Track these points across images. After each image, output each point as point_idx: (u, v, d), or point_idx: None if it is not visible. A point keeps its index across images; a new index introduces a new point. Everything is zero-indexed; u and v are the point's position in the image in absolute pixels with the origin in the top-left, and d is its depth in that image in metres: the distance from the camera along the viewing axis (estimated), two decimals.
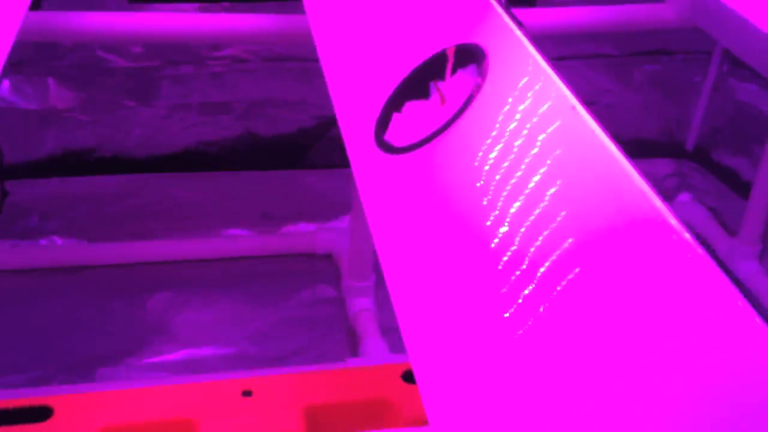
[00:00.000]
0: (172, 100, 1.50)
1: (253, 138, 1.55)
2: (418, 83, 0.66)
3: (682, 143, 1.66)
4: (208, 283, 1.46)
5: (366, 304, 1.33)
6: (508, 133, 0.55)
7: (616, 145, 0.48)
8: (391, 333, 1.32)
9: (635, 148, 1.53)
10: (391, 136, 0.63)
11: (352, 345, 1.31)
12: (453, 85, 0.63)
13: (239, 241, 1.51)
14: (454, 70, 0.63)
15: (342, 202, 1.55)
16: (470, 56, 0.63)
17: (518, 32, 0.62)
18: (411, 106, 0.65)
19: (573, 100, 0.51)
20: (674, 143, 1.66)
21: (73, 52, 1.45)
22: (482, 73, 0.60)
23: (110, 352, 1.34)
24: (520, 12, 0.73)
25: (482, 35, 0.64)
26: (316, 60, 1.39)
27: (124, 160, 1.54)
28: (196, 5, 1.46)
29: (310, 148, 1.57)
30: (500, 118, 0.56)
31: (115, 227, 1.53)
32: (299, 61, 1.51)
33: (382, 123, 0.65)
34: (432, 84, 0.65)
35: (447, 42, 0.66)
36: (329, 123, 1.55)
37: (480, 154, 0.56)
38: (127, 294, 1.44)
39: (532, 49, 0.59)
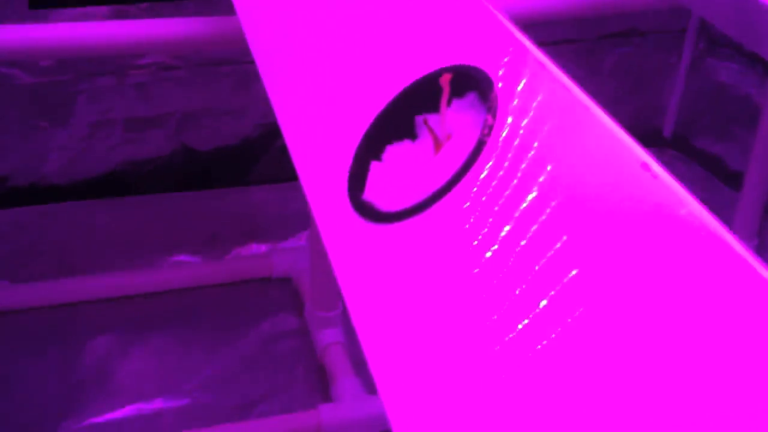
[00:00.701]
0: (91, 118, 1.32)
1: (189, 154, 1.38)
2: (401, 119, 0.50)
3: (659, 130, 1.53)
4: (153, 322, 1.29)
5: (335, 336, 1.18)
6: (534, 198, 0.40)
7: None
8: (365, 368, 1.17)
9: None
10: (372, 194, 0.48)
11: (323, 386, 1.16)
12: (450, 122, 0.47)
13: (184, 269, 1.34)
14: (449, 102, 0.48)
15: (297, 218, 1.39)
16: (468, 83, 0.47)
17: (533, 49, 0.46)
18: (394, 152, 0.49)
19: (641, 154, 0.36)
20: (651, 130, 1.53)
21: None
22: (491, 109, 0.44)
23: (41, 415, 1.16)
24: None
25: (483, 54, 0.48)
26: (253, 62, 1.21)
27: (43, 188, 1.35)
28: (110, 8, 1.28)
29: (256, 161, 1.40)
30: (521, 176, 0.40)
31: (40, 264, 1.34)
32: (236, 64, 1.33)
33: (358, 175, 0.49)
34: (420, 120, 0.50)
35: (435, 63, 0.50)
36: (275, 131, 1.37)
37: (484, 230, 0.41)
38: (59, 341, 1.26)
39: (558, 73, 0.43)
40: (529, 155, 0.42)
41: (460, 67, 0.47)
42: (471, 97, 0.48)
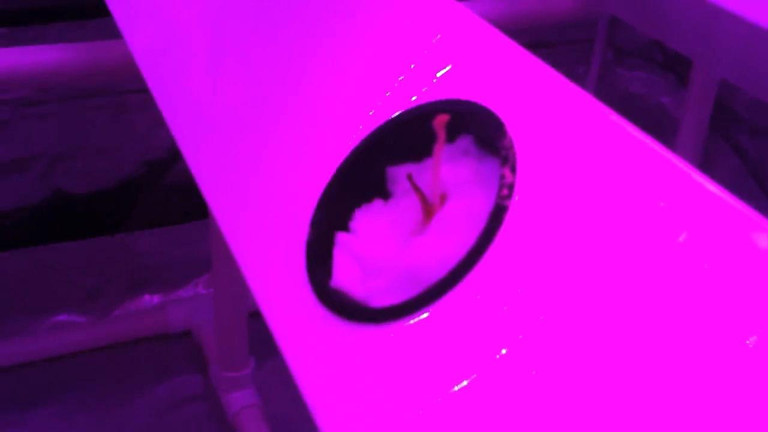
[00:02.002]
0: None
1: (62, 200, 1.21)
2: (368, 173, 0.38)
3: None
4: (32, 396, 1.11)
5: (248, 398, 1.04)
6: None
7: None
8: (280, 428, 1.04)
9: None
10: (344, 280, 0.35)
11: None
12: (444, 178, 0.35)
13: (66, 332, 1.17)
14: (441, 148, 0.36)
15: (189, 264, 1.24)
16: (462, 123, 0.36)
17: (554, 74, 0.35)
18: (367, 219, 0.37)
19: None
20: None
21: None
22: (508, 160, 0.33)
23: None
24: None
25: (483, 84, 0.36)
26: (133, 91, 1.07)
27: None
28: None
29: (138, 203, 1.24)
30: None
31: None
32: (110, 96, 1.17)
33: (319, 253, 0.37)
34: (395, 173, 0.38)
35: (403, 97, 0.38)
36: (159, 168, 1.23)
37: (511, 336, 0.29)
38: None
39: (599, 106, 0.32)
40: (570, 226, 0.30)
41: (451, 104, 0.36)
42: (464, 142, 0.36)
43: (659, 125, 1.35)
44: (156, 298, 1.23)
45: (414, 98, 0.38)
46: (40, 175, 1.19)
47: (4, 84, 1.01)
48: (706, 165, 1.19)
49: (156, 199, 1.25)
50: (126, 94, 1.16)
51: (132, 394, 1.12)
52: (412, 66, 0.40)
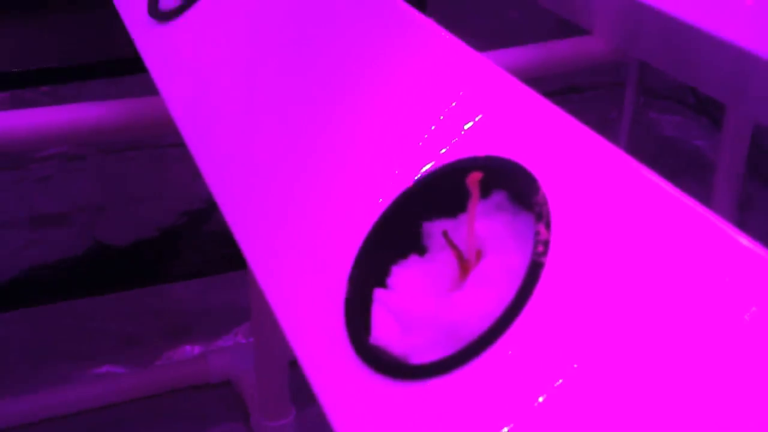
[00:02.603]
0: None
1: (102, 251, 1.23)
2: (404, 229, 0.39)
3: None
4: None
5: None
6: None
7: None
8: None
9: None
10: (383, 337, 0.36)
11: None
12: (479, 234, 0.36)
13: (107, 382, 1.18)
14: (476, 204, 0.36)
15: (228, 313, 1.25)
16: (495, 179, 0.36)
17: (581, 128, 0.35)
18: (403, 275, 0.38)
19: None
20: None
21: None
22: (542, 216, 0.33)
23: None
24: None
25: (513, 139, 0.37)
26: (172, 145, 1.08)
27: None
28: (6, 94, 1.14)
29: (177, 253, 1.26)
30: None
31: None
32: (149, 149, 1.20)
33: (357, 309, 0.37)
34: (429, 229, 0.38)
35: (438, 154, 0.39)
36: (198, 218, 1.25)
37: (552, 392, 0.30)
38: None
39: (629, 160, 0.33)
40: (607, 282, 0.31)
41: (485, 161, 0.36)
42: (498, 198, 0.37)
43: (695, 168, 1.35)
44: (197, 348, 1.23)
45: (443, 151, 0.39)
46: (81, 228, 1.21)
47: (46, 141, 1.03)
48: (745, 207, 1.18)
49: (195, 248, 1.27)
50: (165, 148, 1.18)
51: None
52: (441, 117, 0.41)
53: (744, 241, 0.28)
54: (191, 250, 1.28)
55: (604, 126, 1.41)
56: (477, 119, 0.39)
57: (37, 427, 1.14)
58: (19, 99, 1.11)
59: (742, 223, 1.27)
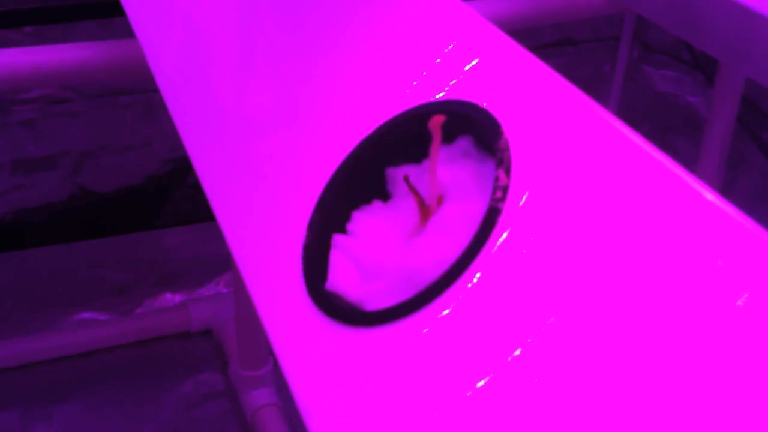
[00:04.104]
0: None
1: (88, 197, 1.22)
2: (369, 173, 0.38)
3: None
4: (58, 392, 1.12)
5: (266, 397, 1.04)
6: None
7: None
8: (300, 427, 1.04)
9: None
10: (339, 282, 0.35)
11: None
12: (441, 179, 0.35)
13: (91, 329, 1.18)
14: (437, 149, 0.35)
15: (213, 262, 1.24)
16: (460, 124, 0.35)
17: (550, 72, 0.34)
18: (363, 220, 0.37)
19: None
20: None
21: None
22: (503, 162, 0.32)
23: None
24: None
25: (478, 85, 0.36)
26: (158, 91, 1.07)
27: None
28: None
29: (165, 201, 1.25)
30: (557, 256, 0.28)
31: None
32: (137, 94, 1.18)
33: (315, 255, 0.36)
34: (394, 174, 0.37)
35: (407, 98, 0.38)
36: (185, 166, 1.23)
37: (504, 338, 0.29)
38: None
39: (598, 109, 0.32)
40: (564, 230, 0.30)
41: (449, 105, 0.35)
42: (463, 143, 0.36)
43: (687, 125, 1.33)
44: (179, 297, 1.23)
45: (413, 97, 0.38)
46: (67, 173, 1.20)
47: (30, 82, 1.01)
48: (735, 165, 1.17)
49: (182, 196, 1.26)
50: (152, 93, 1.17)
51: (157, 389, 1.12)
52: (418, 67, 0.39)
53: (708, 195, 0.27)
54: (179, 198, 1.27)
55: (598, 79, 1.40)
56: (451, 65, 0.38)
57: (19, 371, 1.14)
58: (3, 39, 1.09)
59: (733, 182, 1.25)
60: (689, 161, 1.24)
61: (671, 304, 0.26)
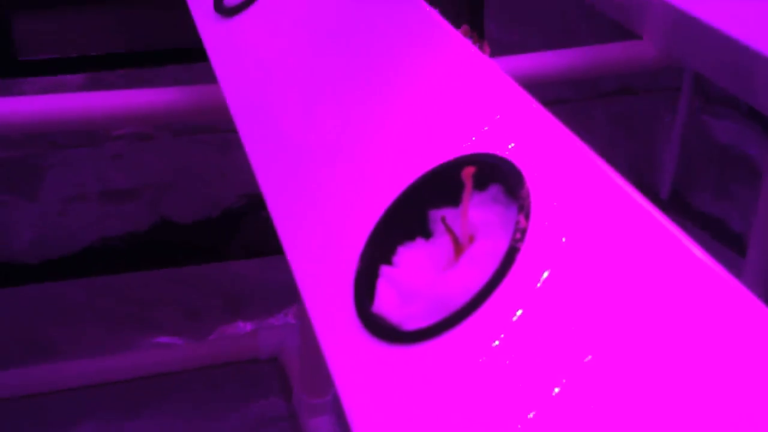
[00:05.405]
0: (64, 192, 1.25)
1: (168, 227, 1.30)
2: (413, 214, 0.44)
3: (656, 191, 1.47)
4: (132, 410, 1.20)
5: (325, 425, 1.10)
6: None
7: None
8: None
9: None
10: (384, 306, 0.41)
11: None
12: (472, 221, 0.41)
13: (165, 352, 1.26)
14: (470, 196, 0.41)
15: (283, 292, 1.32)
16: (492, 174, 0.41)
17: (567, 134, 0.40)
18: (408, 254, 0.43)
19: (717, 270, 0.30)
20: (647, 190, 1.47)
21: None
22: (523, 208, 0.38)
23: None
24: None
25: (508, 140, 0.42)
26: (236, 131, 1.14)
27: (13, 268, 1.28)
28: (84, 75, 1.22)
29: (237, 233, 1.33)
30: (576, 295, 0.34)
31: (11, 349, 1.26)
32: (216, 133, 1.27)
33: (365, 282, 0.42)
34: (435, 216, 0.43)
35: (453, 151, 0.44)
36: (258, 200, 1.31)
37: (521, 361, 0.34)
38: None
39: (601, 164, 0.37)
40: (574, 269, 0.35)
41: (482, 157, 0.41)
42: (494, 191, 0.41)
43: (747, 175, 1.36)
44: (249, 325, 1.30)
45: (453, 149, 0.44)
46: (147, 203, 1.29)
47: (121, 122, 1.11)
48: None
49: (255, 228, 1.33)
50: (228, 133, 1.25)
51: (225, 411, 1.19)
52: (454, 120, 0.45)
53: (696, 252, 0.32)
54: (252, 230, 1.35)
55: (659, 128, 1.43)
56: (484, 126, 0.44)
57: (95, 388, 1.22)
58: (98, 81, 1.19)
59: None
60: (748, 212, 1.27)
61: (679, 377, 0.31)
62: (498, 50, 1.21)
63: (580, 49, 1.05)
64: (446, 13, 0.62)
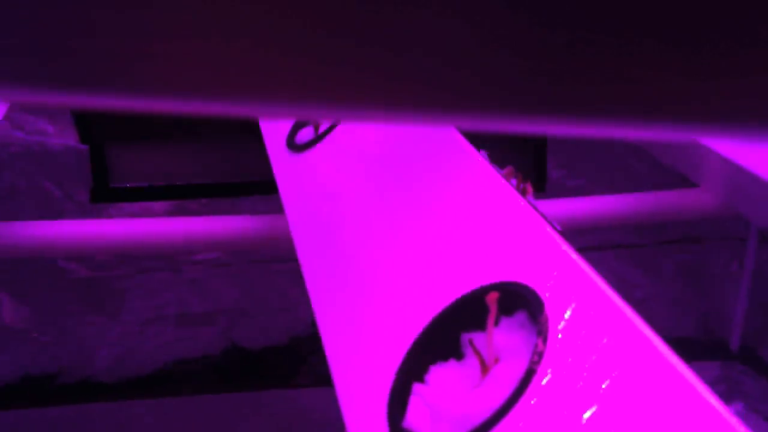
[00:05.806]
0: (144, 314, 1.31)
1: (240, 352, 1.35)
2: (446, 337, 0.47)
3: (725, 342, 1.46)
4: None
5: None
6: None
7: None
8: None
9: (674, 350, 1.33)
10: (414, 421, 0.44)
11: None
12: (498, 344, 0.44)
13: None
14: (496, 321, 0.44)
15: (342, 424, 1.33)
16: (518, 301, 0.44)
17: (583, 265, 0.43)
18: (439, 374, 0.46)
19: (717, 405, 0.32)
20: (717, 342, 1.46)
21: (27, 263, 1.27)
22: (542, 333, 0.41)
23: None
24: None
25: (531, 270, 0.45)
26: None
27: (90, 385, 1.33)
28: (169, 203, 1.30)
29: (306, 361, 1.37)
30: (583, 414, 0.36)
31: None
32: (288, 262, 1.32)
33: (398, 398, 0.45)
34: (465, 339, 0.46)
35: (481, 279, 0.47)
36: None
37: None
38: None
39: (611, 293, 0.40)
40: (582, 390, 0.38)
41: (507, 285, 0.44)
42: (521, 317, 0.44)
43: None
44: None
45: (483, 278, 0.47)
46: (221, 328, 1.34)
47: (199, 247, 1.18)
48: None
49: (322, 358, 1.36)
50: None
51: None
52: (487, 257, 0.49)
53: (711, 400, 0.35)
54: (318, 360, 1.38)
55: (725, 279, 1.43)
56: (515, 258, 0.47)
57: None
58: (183, 208, 1.27)
59: None
60: None
61: None
62: (561, 193, 1.25)
63: (637, 195, 1.08)
64: (509, 158, 0.67)
